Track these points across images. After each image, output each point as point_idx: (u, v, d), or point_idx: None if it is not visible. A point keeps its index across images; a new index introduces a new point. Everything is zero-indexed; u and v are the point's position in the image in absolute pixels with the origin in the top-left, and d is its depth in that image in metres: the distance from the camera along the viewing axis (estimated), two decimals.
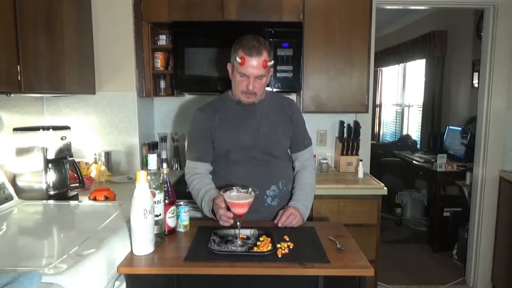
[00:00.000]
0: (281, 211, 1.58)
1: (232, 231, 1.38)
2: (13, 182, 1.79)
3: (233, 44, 1.58)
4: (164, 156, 2.60)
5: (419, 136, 5.01)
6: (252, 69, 1.51)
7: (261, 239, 1.32)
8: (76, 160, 1.91)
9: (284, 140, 1.69)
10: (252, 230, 1.39)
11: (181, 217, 1.43)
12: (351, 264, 1.20)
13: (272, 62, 1.57)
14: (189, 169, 1.68)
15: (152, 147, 2.63)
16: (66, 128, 1.90)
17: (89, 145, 2.45)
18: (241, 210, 1.32)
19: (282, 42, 2.36)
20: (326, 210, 2.26)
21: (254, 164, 1.61)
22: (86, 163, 2.35)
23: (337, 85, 2.51)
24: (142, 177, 1.19)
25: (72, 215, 1.64)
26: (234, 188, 1.37)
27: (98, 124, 2.46)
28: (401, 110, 5.85)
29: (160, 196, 1.31)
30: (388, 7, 2.83)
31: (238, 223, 1.34)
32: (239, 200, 1.32)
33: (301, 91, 2.50)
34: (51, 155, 1.79)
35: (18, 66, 1.60)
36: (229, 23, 2.40)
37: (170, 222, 1.39)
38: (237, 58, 1.51)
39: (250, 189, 1.35)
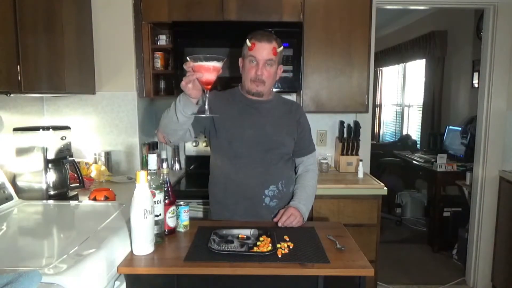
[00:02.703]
0: (281, 210, 1.57)
1: (232, 231, 1.38)
2: (13, 182, 1.79)
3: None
4: (164, 156, 2.60)
5: (419, 136, 5.01)
6: (261, 52, 1.52)
7: (261, 239, 1.31)
8: (76, 160, 1.91)
9: (288, 142, 1.67)
10: (252, 230, 1.38)
11: (181, 217, 1.43)
12: (351, 264, 1.19)
13: (282, 48, 1.58)
14: None
15: (152, 147, 2.63)
16: (66, 128, 1.90)
17: (89, 145, 2.45)
18: (209, 76, 1.26)
19: (282, 42, 2.31)
20: (326, 210, 2.26)
21: (255, 162, 1.60)
22: (86, 163, 2.34)
23: (337, 85, 2.51)
24: (142, 177, 1.19)
25: (72, 215, 1.64)
26: (201, 56, 1.28)
27: (98, 124, 2.46)
28: (401, 110, 5.84)
29: (160, 196, 1.31)
30: (388, 7, 2.83)
31: (206, 94, 1.31)
32: (206, 62, 1.25)
33: (301, 91, 2.50)
34: (51, 155, 1.79)
35: (18, 66, 1.60)
36: (229, 23, 2.40)
37: (170, 222, 1.39)
38: (248, 42, 1.53)
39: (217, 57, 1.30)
